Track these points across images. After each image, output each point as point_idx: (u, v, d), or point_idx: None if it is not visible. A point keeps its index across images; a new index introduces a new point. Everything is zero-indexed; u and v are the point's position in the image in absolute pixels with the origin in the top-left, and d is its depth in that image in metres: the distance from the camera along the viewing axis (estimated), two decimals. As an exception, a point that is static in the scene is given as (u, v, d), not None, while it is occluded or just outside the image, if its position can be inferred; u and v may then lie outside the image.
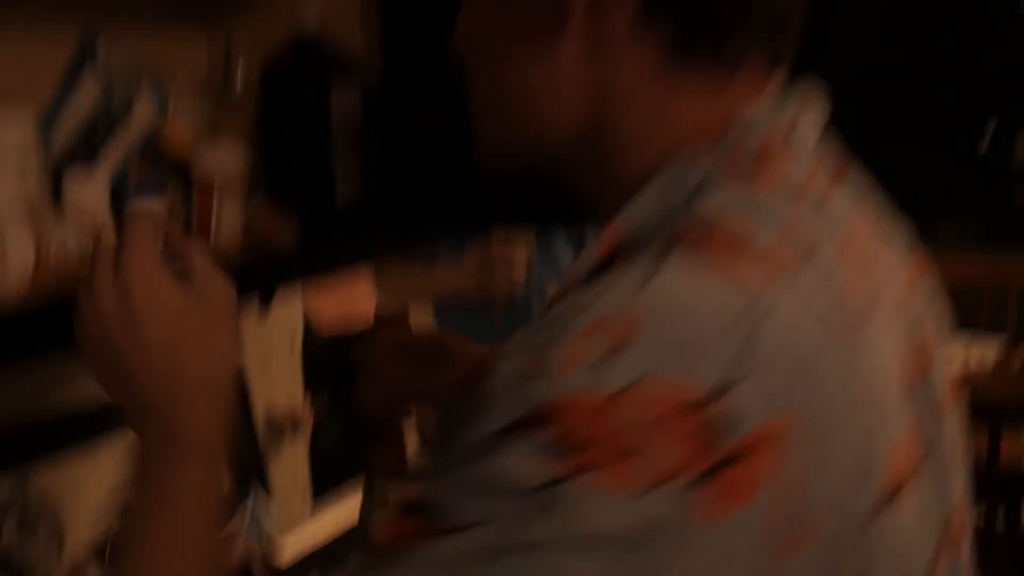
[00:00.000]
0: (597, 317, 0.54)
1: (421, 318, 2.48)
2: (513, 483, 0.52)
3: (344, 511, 1.75)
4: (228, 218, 1.25)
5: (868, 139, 1.36)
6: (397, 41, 1.37)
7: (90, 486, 1.28)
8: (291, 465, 1.79)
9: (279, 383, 1.80)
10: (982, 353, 3.20)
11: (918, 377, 0.66)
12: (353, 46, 1.39)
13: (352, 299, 2.21)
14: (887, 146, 1.37)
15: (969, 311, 3.62)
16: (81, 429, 1.26)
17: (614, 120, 0.66)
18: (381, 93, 1.37)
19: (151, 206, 0.79)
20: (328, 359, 1.96)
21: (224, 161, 1.24)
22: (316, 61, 1.35)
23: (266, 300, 1.32)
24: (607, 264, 0.63)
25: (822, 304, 0.57)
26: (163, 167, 1.22)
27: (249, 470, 1.53)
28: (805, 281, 0.57)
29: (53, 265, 0.99)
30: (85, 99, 1.14)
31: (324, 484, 1.84)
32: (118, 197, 1.13)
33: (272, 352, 1.79)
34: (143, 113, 1.17)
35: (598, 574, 0.51)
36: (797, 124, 0.66)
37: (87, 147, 1.14)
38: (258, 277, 1.26)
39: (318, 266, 1.32)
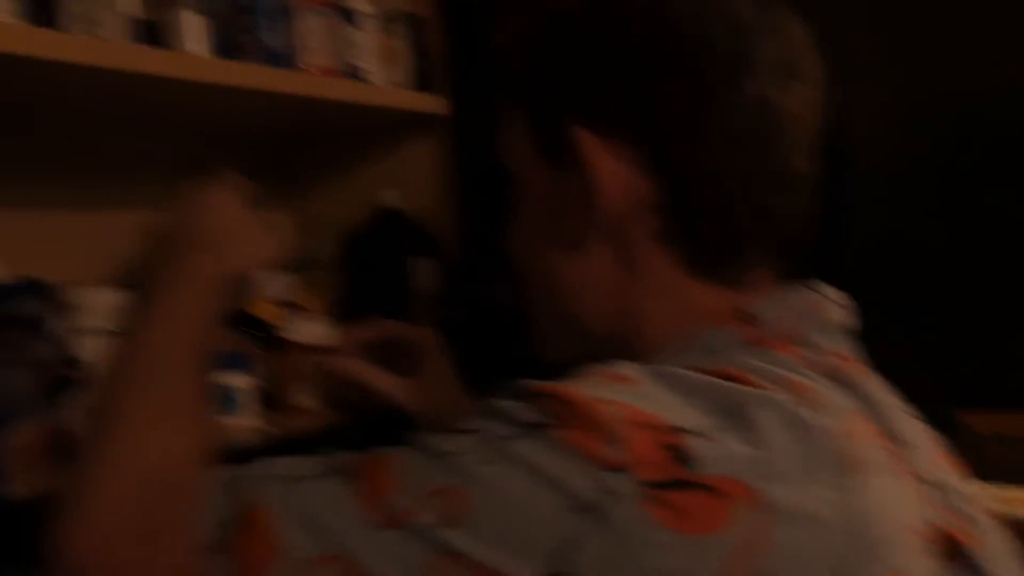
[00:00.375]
0: (607, 371, 0.63)
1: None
2: (513, 415, 0.61)
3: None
4: (312, 382, 1.28)
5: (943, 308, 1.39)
6: (475, 220, 1.41)
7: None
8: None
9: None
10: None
11: (949, 551, 0.66)
12: (433, 222, 1.44)
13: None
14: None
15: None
16: None
17: (637, 310, 0.74)
18: (459, 267, 1.42)
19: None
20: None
21: (307, 329, 1.28)
22: (398, 233, 1.40)
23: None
24: None
25: (812, 427, 0.61)
26: (250, 338, 1.26)
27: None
28: (793, 404, 0.61)
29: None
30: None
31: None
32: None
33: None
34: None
35: (551, 511, 0.57)
36: (817, 314, 0.72)
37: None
38: (341, 439, 1.27)
39: (400, 430, 1.33)
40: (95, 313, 1.08)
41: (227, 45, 1.21)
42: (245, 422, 1.18)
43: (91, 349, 1.07)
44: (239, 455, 1.10)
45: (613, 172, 0.70)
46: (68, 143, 1.35)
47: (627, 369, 0.64)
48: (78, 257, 1.32)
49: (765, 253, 0.73)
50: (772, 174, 0.71)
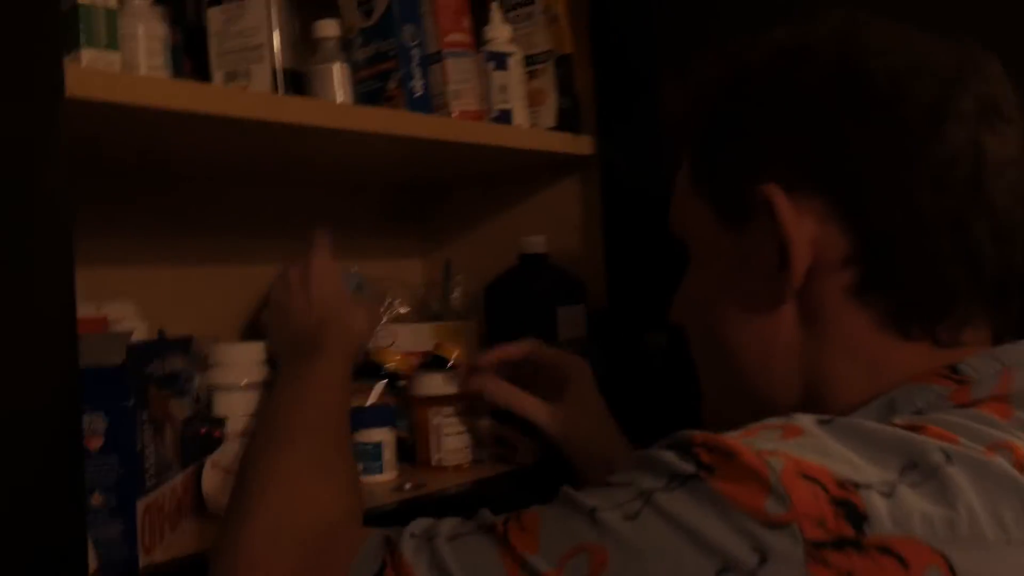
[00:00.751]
0: (776, 423, 0.59)
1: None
2: (667, 464, 0.57)
3: None
4: (452, 436, 1.24)
5: None
6: (622, 267, 1.36)
7: None
8: None
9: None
10: None
11: None
12: (579, 267, 1.40)
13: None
14: None
15: None
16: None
17: (828, 373, 0.70)
18: (605, 314, 1.37)
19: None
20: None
21: (447, 379, 1.24)
22: (542, 279, 1.36)
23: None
24: None
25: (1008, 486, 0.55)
26: (391, 393, 1.24)
27: None
28: (1000, 465, 0.55)
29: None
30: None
31: None
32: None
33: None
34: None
35: (698, 572, 0.53)
36: None
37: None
38: (492, 495, 1.23)
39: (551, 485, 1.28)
40: (232, 368, 1.07)
41: (373, 92, 1.20)
42: (386, 477, 1.15)
43: (226, 405, 1.06)
44: (382, 511, 1.08)
45: (804, 227, 0.67)
46: (208, 197, 1.36)
47: (800, 421, 0.60)
48: (220, 311, 1.33)
49: (979, 307, 0.68)
50: (984, 220, 0.66)
